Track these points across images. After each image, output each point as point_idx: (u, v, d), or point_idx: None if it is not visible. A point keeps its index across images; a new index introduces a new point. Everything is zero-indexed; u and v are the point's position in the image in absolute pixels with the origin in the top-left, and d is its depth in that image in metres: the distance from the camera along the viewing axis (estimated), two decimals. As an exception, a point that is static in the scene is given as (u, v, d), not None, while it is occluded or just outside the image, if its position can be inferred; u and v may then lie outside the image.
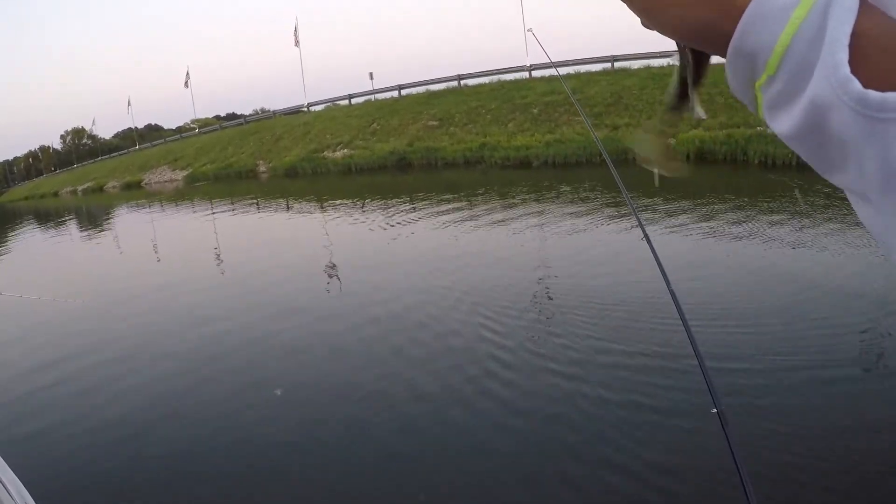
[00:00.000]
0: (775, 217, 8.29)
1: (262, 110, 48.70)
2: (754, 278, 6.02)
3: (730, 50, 0.35)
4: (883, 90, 0.29)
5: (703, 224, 8.35)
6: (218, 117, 61.34)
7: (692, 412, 3.48)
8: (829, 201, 8.64)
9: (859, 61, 0.29)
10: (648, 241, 2.04)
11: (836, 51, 0.30)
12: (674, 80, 0.45)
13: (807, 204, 8.98)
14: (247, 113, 55.46)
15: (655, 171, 0.49)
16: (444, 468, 3.47)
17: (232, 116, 56.52)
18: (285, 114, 33.37)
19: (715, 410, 1.43)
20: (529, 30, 4.20)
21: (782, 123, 0.35)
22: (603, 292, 5.91)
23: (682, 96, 0.45)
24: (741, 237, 7.47)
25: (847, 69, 0.29)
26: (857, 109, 0.29)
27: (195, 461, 3.80)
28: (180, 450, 3.93)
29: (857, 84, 0.29)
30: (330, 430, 3.90)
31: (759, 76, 0.34)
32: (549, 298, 6.17)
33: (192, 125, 55.62)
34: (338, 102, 31.20)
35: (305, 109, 31.58)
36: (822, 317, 4.86)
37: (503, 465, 3.38)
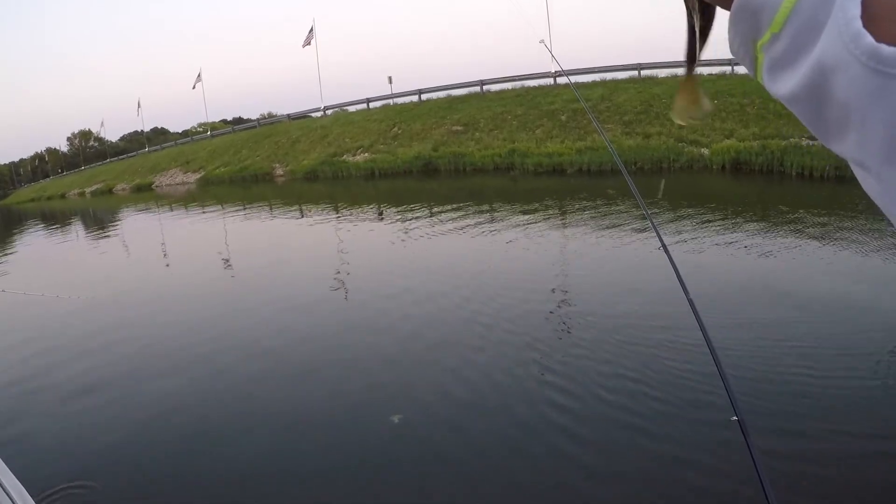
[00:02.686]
0: (804, 229, 8.17)
1: (270, 114, 48.27)
2: (779, 289, 5.95)
3: (735, 5, 0.34)
4: (894, 45, 0.28)
5: (731, 234, 8.29)
6: (225, 121, 60.90)
7: (713, 421, 3.48)
8: (864, 214, 8.42)
9: (870, 17, 0.29)
10: (666, 250, 1.99)
11: (849, 7, 0.29)
12: (686, 38, 0.45)
13: (840, 216, 8.73)
14: (254, 117, 55.19)
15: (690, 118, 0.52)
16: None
17: (239, 120, 56.11)
18: (296, 117, 32.90)
19: (736, 419, 1.39)
20: (541, 41, 4.06)
21: (784, 85, 0.33)
22: (624, 302, 5.90)
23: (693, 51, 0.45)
24: (768, 248, 7.43)
25: (860, 23, 0.28)
26: (868, 65, 0.28)
27: (203, 462, 3.73)
28: (185, 450, 3.88)
29: (869, 38, 0.28)
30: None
31: (763, 34, 0.33)
32: (571, 307, 6.11)
33: (198, 129, 55.24)
34: (346, 108, 30.74)
35: (322, 113, 31.05)
36: (847, 328, 4.82)
37: (526, 470, 3.33)
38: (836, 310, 5.26)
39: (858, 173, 0.33)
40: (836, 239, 7.51)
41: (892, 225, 0.32)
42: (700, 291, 5.51)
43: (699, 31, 0.42)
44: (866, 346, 4.45)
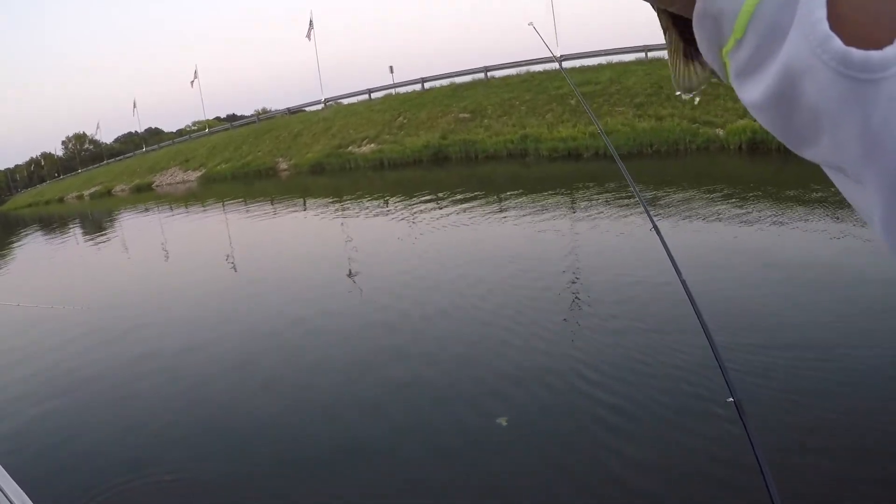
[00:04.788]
0: (812, 210, 8.19)
1: (265, 110, 47.72)
2: (778, 269, 5.99)
3: (696, 12, 0.33)
4: (864, 49, 0.26)
5: (736, 215, 8.31)
6: (219, 118, 60.15)
7: (709, 402, 3.48)
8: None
9: (837, 19, 0.27)
10: (658, 233, 1.97)
11: (814, 8, 0.27)
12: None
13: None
14: (248, 113, 54.57)
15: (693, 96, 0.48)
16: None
17: (233, 117, 55.44)
18: (295, 111, 32.42)
19: (731, 400, 1.37)
20: (530, 24, 3.91)
21: (751, 92, 0.31)
22: (620, 286, 5.91)
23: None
24: (772, 229, 7.46)
25: (826, 26, 0.27)
26: (838, 70, 0.26)
27: (198, 466, 3.65)
28: (187, 456, 3.78)
29: (838, 42, 0.26)
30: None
31: (727, 41, 0.31)
32: (572, 292, 6.12)
33: (193, 127, 54.65)
34: (341, 101, 30.22)
35: (322, 105, 30.56)
36: (843, 307, 4.82)
37: (534, 461, 3.30)
38: (837, 291, 5.22)
39: (834, 177, 0.31)
40: (845, 219, 7.39)
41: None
42: (703, 274, 5.69)
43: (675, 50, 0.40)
44: (868, 326, 4.41)
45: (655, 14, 0.39)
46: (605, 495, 2.98)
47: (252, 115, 41.02)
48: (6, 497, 1.18)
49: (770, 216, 8.04)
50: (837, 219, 7.38)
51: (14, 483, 1.24)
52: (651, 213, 2.17)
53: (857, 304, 4.82)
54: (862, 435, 3.16)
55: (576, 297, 5.89)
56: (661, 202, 9.56)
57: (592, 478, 3.11)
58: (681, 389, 3.74)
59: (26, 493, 1.25)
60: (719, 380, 1.56)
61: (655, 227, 2.07)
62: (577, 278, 6.65)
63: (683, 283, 1.80)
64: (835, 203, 8.27)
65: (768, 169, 13.33)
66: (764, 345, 4.21)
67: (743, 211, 8.49)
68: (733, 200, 9.31)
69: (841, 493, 2.81)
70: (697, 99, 0.37)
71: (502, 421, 3.57)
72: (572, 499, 3.00)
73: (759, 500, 1.26)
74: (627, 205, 9.54)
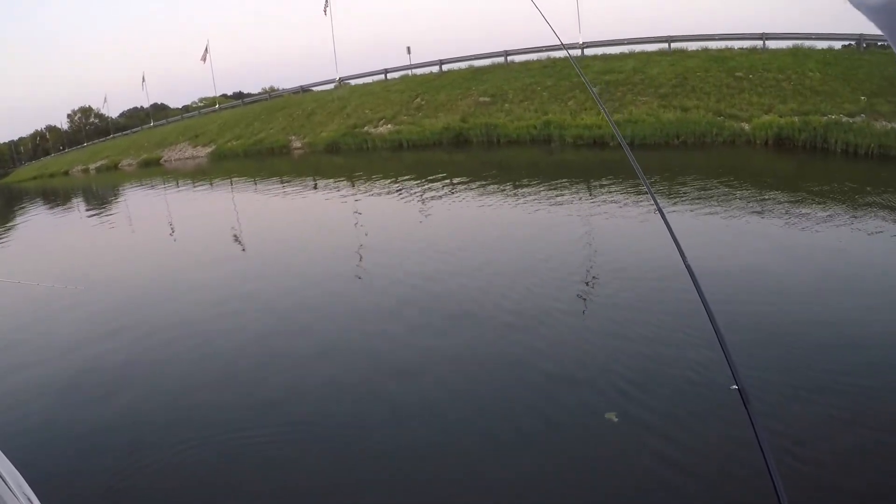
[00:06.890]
0: (824, 204, 8.12)
1: (272, 88, 47.12)
2: (786, 258, 6.05)
3: None
4: None
5: (749, 205, 8.31)
6: (225, 96, 59.44)
7: (712, 390, 3.47)
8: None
9: None
10: (662, 215, 1.96)
11: None
12: None
13: (868, 195, 8.59)
14: (255, 91, 53.98)
15: None
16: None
17: (240, 95, 54.77)
18: (305, 89, 31.99)
19: (735, 387, 1.34)
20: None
21: None
22: (628, 269, 5.93)
23: None
24: (782, 220, 7.46)
25: None
26: None
27: (196, 449, 3.55)
28: (186, 441, 3.64)
29: None
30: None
31: None
32: (576, 274, 6.12)
33: (199, 103, 54.06)
34: (348, 82, 29.83)
35: (337, 83, 30.13)
36: (850, 298, 4.81)
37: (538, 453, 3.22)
38: (847, 285, 5.21)
39: None
40: (861, 216, 7.32)
41: None
42: (712, 261, 5.72)
43: None
44: (873, 309, 4.43)
45: None
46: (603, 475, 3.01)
47: (261, 93, 40.47)
48: (3, 480, 1.17)
49: (785, 206, 7.99)
50: (855, 216, 7.32)
51: (9, 462, 1.22)
52: (657, 197, 2.13)
53: (873, 301, 4.78)
54: (870, 427, 3.13)
55: (584, 284, 5.87)
56: (685, 189, 9.56)
57: (589, 460, 3.14)
58: (683, 375, 3.76)
59: (21, 474, 1.24)
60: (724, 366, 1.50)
61: (660, 208, 2.02)
62: (589, 263, 6.64)
63: (688, 266, 1.72)
64: (852, 196, 8.29)
65: (792, 164, 13.39)
66: (773, 335, 4.20)
67: (759, 202, 8.43)
68: (752, 191, 9.23)
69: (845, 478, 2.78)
70: None
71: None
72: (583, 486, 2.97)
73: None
74: (646, 194, 9.51)
